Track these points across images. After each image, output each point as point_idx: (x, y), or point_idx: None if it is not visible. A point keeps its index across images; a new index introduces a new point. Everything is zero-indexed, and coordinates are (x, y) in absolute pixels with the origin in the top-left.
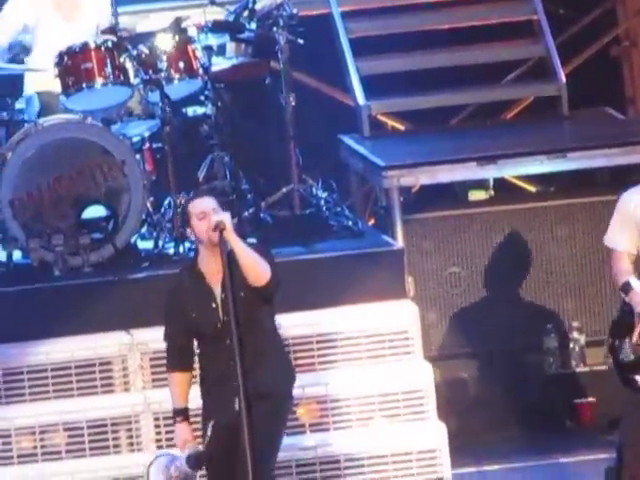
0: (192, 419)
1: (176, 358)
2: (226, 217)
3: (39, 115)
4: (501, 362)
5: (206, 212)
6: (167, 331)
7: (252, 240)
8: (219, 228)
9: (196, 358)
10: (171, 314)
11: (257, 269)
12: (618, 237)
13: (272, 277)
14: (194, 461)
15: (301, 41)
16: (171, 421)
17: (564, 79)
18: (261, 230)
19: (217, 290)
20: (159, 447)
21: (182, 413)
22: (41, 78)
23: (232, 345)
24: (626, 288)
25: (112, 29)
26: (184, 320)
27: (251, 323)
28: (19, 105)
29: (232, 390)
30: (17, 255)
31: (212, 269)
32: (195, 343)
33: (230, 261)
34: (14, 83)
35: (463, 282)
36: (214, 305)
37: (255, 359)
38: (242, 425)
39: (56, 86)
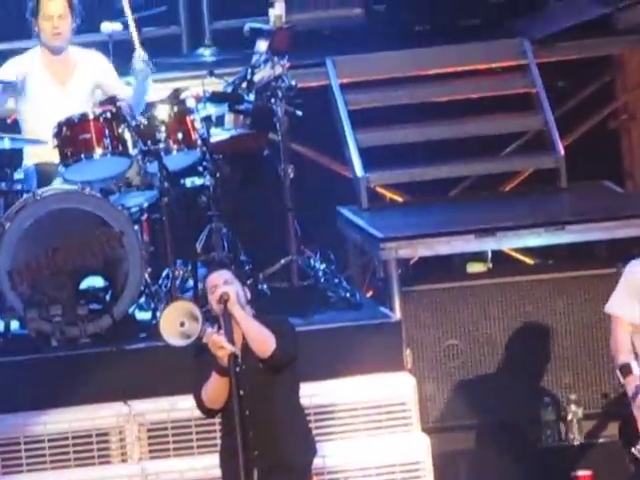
0: None
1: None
2: (232, 289)
3: (38, 185)
4: (498, 435)
5: (216, 285)
6: (196, 382)
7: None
8: (222, 300)
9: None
10: (199, 369)
11: (259, 341)
12: (621, 304)
13: (277, 349)
14: None
15: (300, 113)
16: None
17: (562, 152)
18: (259, 302)
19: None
20: None
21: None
22: (40, 148)
23: (251, 416)
24: (625, 370)
25: (111, 99)
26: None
27: (270, 394)
28: (18, 176)
29: (251, 461)
30: (15, 325)
31: (236, 338)
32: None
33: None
34: (13, 154)
35: (461, 354)
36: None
37: (275, 430)
38: None
39: (54, 157)
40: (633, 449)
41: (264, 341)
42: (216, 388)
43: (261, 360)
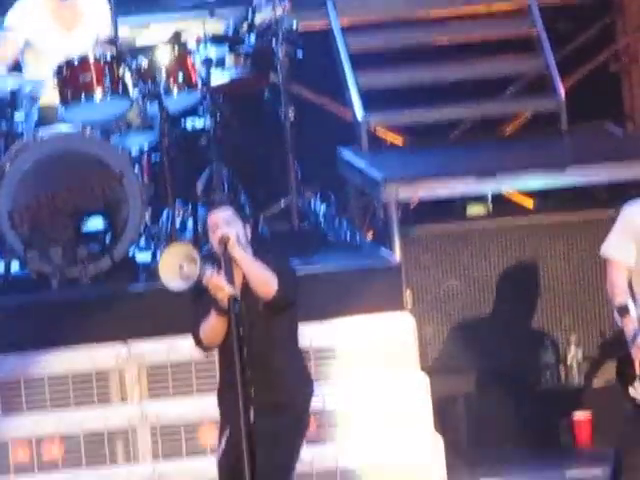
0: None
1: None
2: (232, 230)
3: (38, 126)
4: (498, 376)
5: (217, 224)
6: (194, 319)
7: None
8: (223, 242)
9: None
10: (198, 307)
11: (260, 283)
12: (617, 247)
13: (278, 292)
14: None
15: (300, 55)
16: (168, 433)
17: (563, 94)
18: (259, 243)
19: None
20: (155, 459)
21: None
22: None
23: (248, 355)
24: (622, 312)
25: (111, 41)
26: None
27: (269, 335)
28: (18, 116)
29: (248, 398)
30: (15, 267)
31: (236, 279)
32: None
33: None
34: (13, 94)
35: (460, 296)
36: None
37: (273, 371)
38: (257, 436)
39: (55, 98)
40: (630, 388)
41: (265, 283)
42: (214, 327)
43: (262, 302)
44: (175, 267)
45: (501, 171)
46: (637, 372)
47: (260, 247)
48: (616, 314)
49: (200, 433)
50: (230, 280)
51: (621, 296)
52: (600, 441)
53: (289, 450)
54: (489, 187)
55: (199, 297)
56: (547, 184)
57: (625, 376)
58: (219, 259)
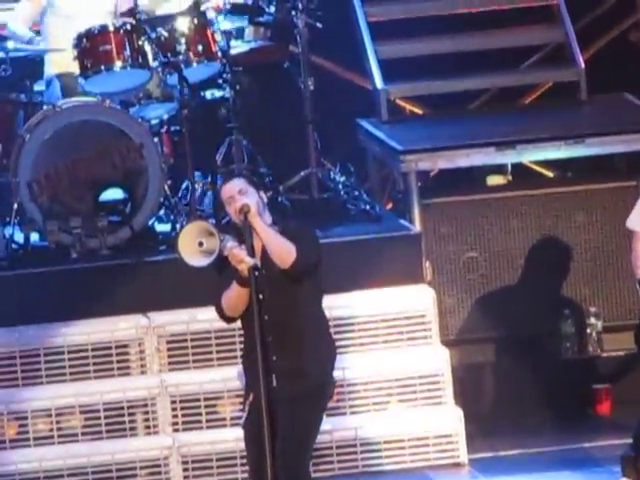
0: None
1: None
2: (251, 200)
3: (58, 97)
4: (518, 347)
5: (233, 196)
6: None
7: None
8: (243, 212)
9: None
10: (220, 277)
11: (279, 254)
12: None
13: (297, 260)
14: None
15: (320, 25)
16: (187, 404)
17: (583, 64)
18: (279, 214)
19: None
20: (175, 430)
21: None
22: (61, 59)
23: (270, 321)
24: None
25: (131, 11)
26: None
27: (290, 301)
28: (39, 87)
29: (270, 366)
30: (35, 237)
31: (256, 245)
32: None
33: None
34: (34, 65)
35: (480, 267)
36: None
37: (294, 337)
38: (277, 403)
39: (75, 68)
40: None
41: (284, 253)
42: (237, 297)
43: (281, 270)
44: (195, 245)
45: (521, 141)
46: None
47: (281, 215)
48: (637, 285)
49: (220, 404)
50: (250, 250)
51: None
52: (620, 411)
53: (307, 419)
54: (509, 157)
55: (221, 268)
56: (567, 154)
57: None
58: (236, 229)
